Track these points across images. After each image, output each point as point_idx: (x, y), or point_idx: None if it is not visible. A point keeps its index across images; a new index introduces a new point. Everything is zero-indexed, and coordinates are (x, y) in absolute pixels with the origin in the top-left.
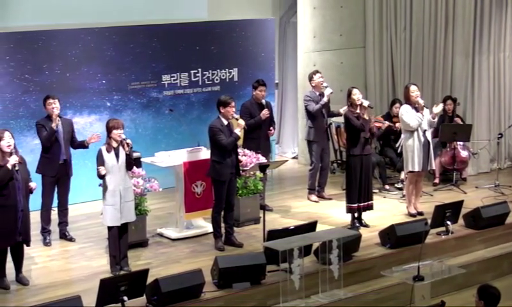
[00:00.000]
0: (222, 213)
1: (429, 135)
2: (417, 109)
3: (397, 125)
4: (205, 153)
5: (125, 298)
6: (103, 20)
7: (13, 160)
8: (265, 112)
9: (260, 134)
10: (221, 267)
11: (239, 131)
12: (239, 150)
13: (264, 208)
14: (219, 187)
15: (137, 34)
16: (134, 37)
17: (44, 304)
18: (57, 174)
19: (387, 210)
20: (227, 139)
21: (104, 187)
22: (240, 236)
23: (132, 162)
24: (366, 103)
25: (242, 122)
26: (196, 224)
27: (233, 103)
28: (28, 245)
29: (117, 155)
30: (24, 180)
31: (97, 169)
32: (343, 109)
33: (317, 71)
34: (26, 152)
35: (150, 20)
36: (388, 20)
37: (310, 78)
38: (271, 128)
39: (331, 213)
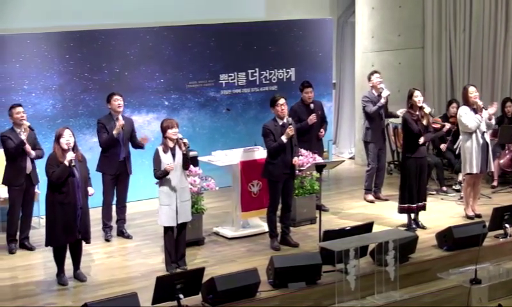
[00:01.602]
0: (278, 213)
1: (487, 137)
2: (476, 110)
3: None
4: (261, 153)
5: (181, 296)
6: (161, 20)
7: (69, 156)
8: (312, 118)
9: (311, 137)
10: (276, 267)
11: (285, 138)
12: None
13: (320, 208)
14: (273, 187)
15: (195, 34)
16: (192, 36)
17: (101, 300)
18: (116, 172)
19: (444, 211)
20: (272, 144)
21: (160, 187)
22: (296, 236)
23: (188, 162)
24: (428, 110)
25: (290, 132)
26: (252, 224)
27: (281, 101)
28: (88, 242)
29: (173, 155)
30: (84, 178)
31: (156, 170)
32: (400, 111)
33: (375, 72)
34: (85, 150)
35: (208, 19)
36: (447, 20)
37: (368, 78)
38: (322, 129)
39: (388, 214)
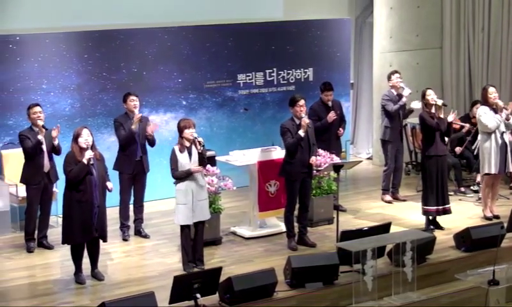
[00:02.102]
0: (296, 213)
1: (506, 137)
2: (495, 110)
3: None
4: (278, 153)
5: (198, 295)
6: (179, 20)
7: (87, 154)
8: (331, 115)
9: (330, 136)
10: (293, 267)
11: (302, 132)
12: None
13: (337, 208)
14: (290, 186)
15: (213, 34)
16: (210, 36)
17: (118, 299)
18: (134, 171)
19: (462, 212)
20: (290, 140)
21: (177, 186)
22: (313, 236)
23: (205, 161)
24: (440, 102)
25: (304, 123)
26: (270, 223)
27: (301, 102)
28: (105, 240)
29: (190, 155)
30: (101, 177)
31: (174, 170)
32: (413, 103)
33: (396, 72)
34: (103, 149)
35: (226, 19)
36: (465, 20)
37: (388, 78)
38: (340, 128)
39: (406, 214)
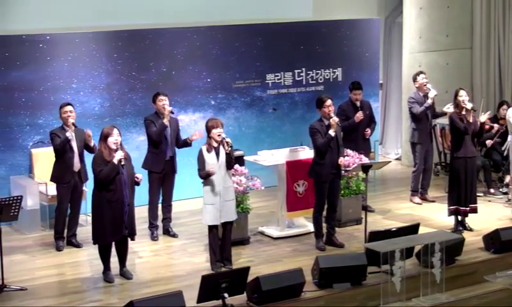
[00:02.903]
0: (324, 213)
1: None
2: None
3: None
4: (307, 153)
5: (226, 295)
6: (209, 20)
7: (118, 155)
8: (359, 115)
9: (357, 136)
10: (321, 267)
11: (332, 131)
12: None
13: (366, 208)
14: (319, 187)
15: (242, 34)
16: (239, 36)
17: (146, 298)
18: (163, 170)
19: (491, 214)
20: (321, 140)
21: (205, 186)
22: (341, 236)
23: (232, 161)
24: (469, 106)
25: (333, 122)
26: (298, 224)
27: (328, 102)
28: (133, 239)
29: (217, 155)
30: (130, 176)
31: (200, 170)
32: (446, 107)
33: (421, 72)
34: (132, 148)
35: (255, 19)
36: (496, 20)
37: (414, 79)
38: (368, 129)
39: (434, 215)
